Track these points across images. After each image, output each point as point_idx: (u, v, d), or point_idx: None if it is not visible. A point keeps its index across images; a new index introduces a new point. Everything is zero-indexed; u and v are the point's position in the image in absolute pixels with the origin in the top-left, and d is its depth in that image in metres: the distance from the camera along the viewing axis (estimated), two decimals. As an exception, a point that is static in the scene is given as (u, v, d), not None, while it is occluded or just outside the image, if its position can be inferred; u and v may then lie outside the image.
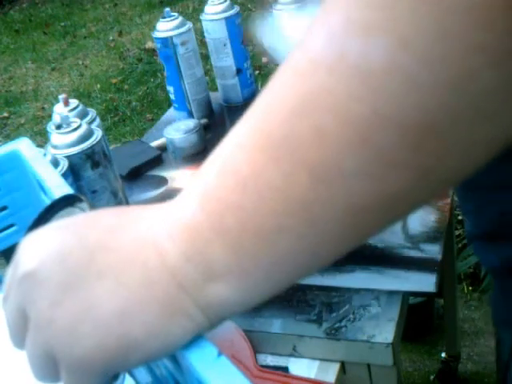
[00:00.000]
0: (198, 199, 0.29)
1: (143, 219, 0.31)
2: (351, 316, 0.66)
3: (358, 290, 0.69)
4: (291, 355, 0.67)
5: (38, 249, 0.30)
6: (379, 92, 0.23)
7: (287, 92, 0.26)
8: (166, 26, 1.05)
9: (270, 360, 0.67)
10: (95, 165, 0.76)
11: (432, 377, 1.47)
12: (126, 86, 3.34)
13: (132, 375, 0.47)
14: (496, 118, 0.23)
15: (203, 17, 1.10)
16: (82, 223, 0.32)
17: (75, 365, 0.29)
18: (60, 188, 0.49)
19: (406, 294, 0.70)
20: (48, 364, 0.30)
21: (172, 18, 1.05)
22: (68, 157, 0.74)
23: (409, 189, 0.25)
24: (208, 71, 1.95)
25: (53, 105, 1.26)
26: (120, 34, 4.09)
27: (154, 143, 1.07)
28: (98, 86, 3.42)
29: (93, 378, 0.30)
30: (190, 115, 1.12)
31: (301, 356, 0.67)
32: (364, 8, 0.23)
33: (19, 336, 0.31)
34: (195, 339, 0.30)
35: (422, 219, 0.77)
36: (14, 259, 0.31)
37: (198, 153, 1.02)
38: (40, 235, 0.31)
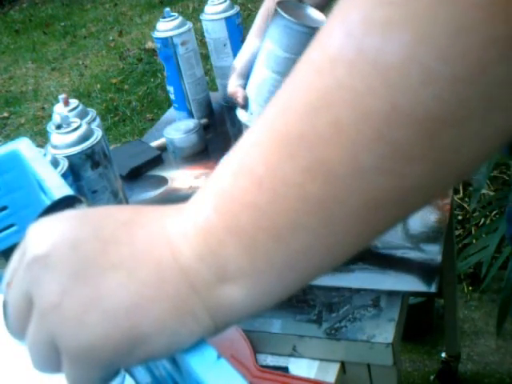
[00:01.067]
0: (212, 200, 0.29)
1: (159, 218, 0.31)
2: (351, 316, 0.66)
3: (358, 290, 0.69)
4: (291, 355, 0.67)
5: (50, 233, 0.30)
6: (397, 87, 0.24)
7: (305, 89, 0.26)
8: (166, 26, 1.05)
9: (270, 360, 0.67)
10: (95, 165, 0.76)
11: (432, 377, 1.47)
12: (126, 86, 3.34)
13: (132, 375, 0.47)
14: (509, 107, 0.24)
15: (203, 17, 1.10)
16: (96, 215, 0.32)
17: (79, 355, 0.29)
18: (60, 188, 0.49)
19: (406, 294, 0.70)
20: (50, 353, 0.30)
21: (172, 17, 1.05)
22: (68, 157, 0.74)
23: (425, 182, 0.26)
24: (208, 71, 1.95)
25: (53, 105, 1.26)
26: (120, 33, 4.09)
27: (154, 143, 1.07)
28: (98, 86, 3.42)
29: (94, 372, 0.29)
30: (190, 115, 1.11)
31: (301, 356, 0.67)
32: (381, 5, 0.24)
33: (21, 323, 0.30)
34: (196, 341, 0.30)
35: (422, 219, 0.77)
36: (22, 243, 0.31)
37: (198, 153, 1.02)
38: (52, 221, 0.31)
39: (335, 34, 0.25)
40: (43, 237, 0.30)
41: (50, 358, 0.30)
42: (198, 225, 0.29)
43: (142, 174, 1.01)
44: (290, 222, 0.27)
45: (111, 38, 4.08)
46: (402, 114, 0.24)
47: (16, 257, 0.31)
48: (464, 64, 0.22)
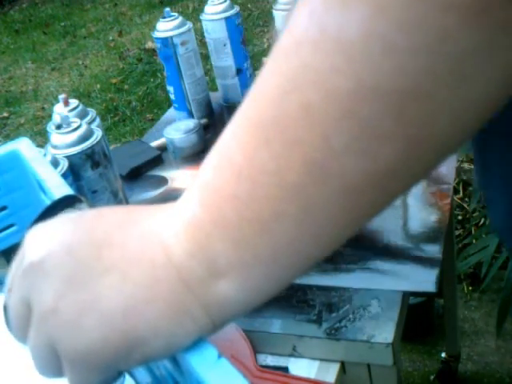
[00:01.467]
0: (197, 195, 0.29)
1: (151, 217, 0.31)
2: (351, 316, 0.66)
3: (357, 290, 0.69)
4: (291, 355, 0.67)
5: (46, 240, 0.30)
6: (360, 62, 0.23)
7: (274, 73, 0.26)
8: (166, 26, 1.05)
9: (270, 360, 0.67)
10: (95, 165, 0.76)
11: (432, 377, 1.47)
12: (126, 86, 3.34)
13: (132, 375, 0.47)
14: (477, 79, 0.23)
15: (203, 17, 1.10)
16: (90, 218, 0.32)
17: (77, 359, 0.29)
18: (60, 188, 0.49)
19: (406, 294, 0.70)
20: (51, 358, 0.30)
21: (172, 17, 1.05)
22: (68, 157, 0.74)
23: (401, 163, 0.25)
24: (208, 71, 1.95)
25: (53, 105, 1.26)
26: (120, 33, 4.09)
27: (154, 143, 1.07)
28: (98, 86, 3.42)
29: (95, 374, 0.29)
30: (190, 115, 1.12)
31: (301, 356, 0.67)
32: None
33: (22, 328, 0.31)
34: (196, 341, 0.30)
35: (421, 219, 0.77)
36: (20, 250, 0.31)
37: (198, 153, 1.02)
38: (48, 227, 0.31)
39: (299, 16, 0.25)
40: (39, 243, 0.30)
41: (51, 362, 0.30)
42: (186, 221, 0.29)
43: (141, 174, 1.02)
44: (271, 211, 0.27)
45: (111, 38, 4.08)
46: (367, 89, 0.23)
47: (16, 262, 0.32)
48: (422, 33, 0.22)
